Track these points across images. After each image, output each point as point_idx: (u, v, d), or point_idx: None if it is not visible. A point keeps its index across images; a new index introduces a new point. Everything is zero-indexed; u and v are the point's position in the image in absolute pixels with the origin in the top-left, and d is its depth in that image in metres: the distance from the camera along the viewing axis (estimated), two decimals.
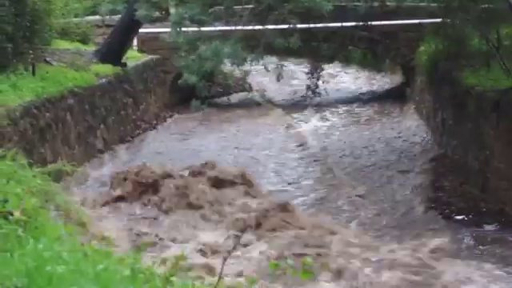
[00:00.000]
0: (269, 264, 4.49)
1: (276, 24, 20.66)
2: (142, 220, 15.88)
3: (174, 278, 4.69)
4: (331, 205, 17.46)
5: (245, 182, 17.49)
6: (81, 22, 29.24)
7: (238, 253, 13.03)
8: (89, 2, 32.61)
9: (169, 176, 17.29)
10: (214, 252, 13.73)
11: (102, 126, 22.09)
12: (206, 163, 18.07)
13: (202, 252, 13.96)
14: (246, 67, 22.48)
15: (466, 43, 19.58)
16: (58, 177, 12.11)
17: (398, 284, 12.15)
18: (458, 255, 13.62)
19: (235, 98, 31.28)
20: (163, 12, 24.05)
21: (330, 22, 24.02)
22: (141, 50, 29.57)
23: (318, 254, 12.98)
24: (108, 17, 31.35)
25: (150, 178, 17.05)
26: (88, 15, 31.64)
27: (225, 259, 4.42)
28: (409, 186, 18.54)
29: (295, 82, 32.75)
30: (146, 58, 28.51)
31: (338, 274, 12.31)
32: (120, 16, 26.85)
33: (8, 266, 3.94)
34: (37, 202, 5.96)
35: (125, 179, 17.00)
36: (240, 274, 11.49)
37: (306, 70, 31.43)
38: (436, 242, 13.95)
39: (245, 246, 13.80)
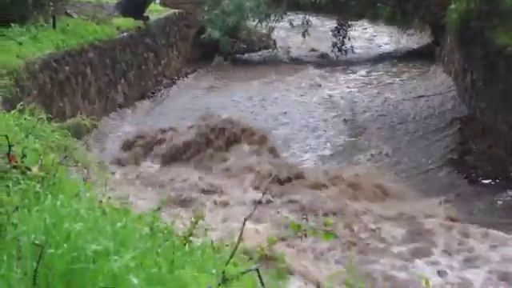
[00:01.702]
0: (290, 224, 4.35)
1: None
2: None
3: (192, 238, 4.69)
4: (356, 162, 17.30)
5: (264, 143, 17.39)
6: None
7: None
8: None
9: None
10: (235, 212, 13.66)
11: (122, 80, 21.84)
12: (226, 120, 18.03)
13: (223, 210, 13.88)
14: (271, 23, 22.20)
15: (498, 1, 18.98)
16: (77, 132, 11.87)
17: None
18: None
19: (259, 54, 30.84)
20: None
21: None
22: (164, 4, 29.19)
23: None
24: None
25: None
26: None
27: (245, 220, 4.27)
28: (435, 147, 18.25)
29: (321, 39, 32.17)
30: (168, 11, 28.11)
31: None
32: None
33: (26, 222, 3.85)
34: (55, 158, 5.73)
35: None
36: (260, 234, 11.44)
37: (333, 28, 30.86)
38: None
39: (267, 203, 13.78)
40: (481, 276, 11.11)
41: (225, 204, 14.19)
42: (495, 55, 17.89)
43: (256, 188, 14.88)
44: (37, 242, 3.49)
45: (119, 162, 16.69)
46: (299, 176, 15.47)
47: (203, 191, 14.86)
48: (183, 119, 19.64)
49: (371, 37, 34.56)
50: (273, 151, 17.21)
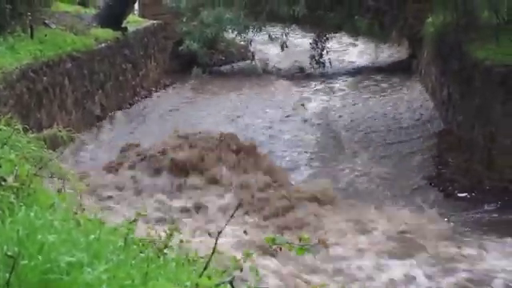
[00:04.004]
0: (264, 238, 4.37)
1: None
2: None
3: (167, 250, 4.69)
4: (330, 175, 17.32)
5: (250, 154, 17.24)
6: None
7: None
8: None
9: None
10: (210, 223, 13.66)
11: (100, 91, 21.79)
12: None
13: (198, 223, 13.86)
14: (249, 35, 22.29)
15: (475, 15, 19.15)
16: (54, 143, 11.83)
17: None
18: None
19: (237, 66, 30.89)
20: None
21: None
22: (142, 15, 29.17)
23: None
24: None
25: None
26: None
27: (219, 232, 4.25)
28: (411, 161, 18.34)
29: (299, 52, 32.27)
30: (147, 23, 28.10)
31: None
32: None
33: None
34: (31, 169, 5.71)
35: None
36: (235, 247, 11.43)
37: (311, 41, 30.98)
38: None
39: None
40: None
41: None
42: (471, 69, 18.04)
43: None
44: (9, 253, 3.47)
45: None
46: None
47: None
48: (160, 132, 19.54)
49: (349, 49, 34.69)
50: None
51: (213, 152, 16.33)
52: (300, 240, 4.35)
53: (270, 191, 15.05)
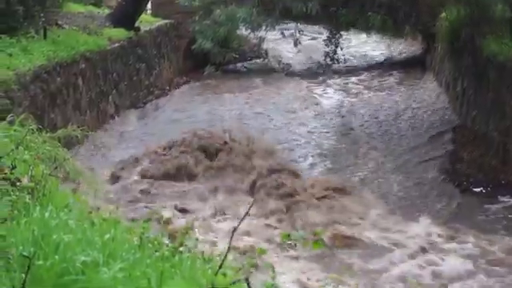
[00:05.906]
0: (280, 234, 4.35)
1: None
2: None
3: (182, 248, 4.69)
4: (346, 171, 17.33)
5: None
6: None
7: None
8: None
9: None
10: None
11: (114, 91, 21.82)
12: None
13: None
14: (262, 33, 22.23)
15: (489, 10, 19.02)
16: (68, 143, 11.84)
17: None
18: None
19: (251, 64, 30.87)
20: None
21: None
22: (155, 15, 29.21)
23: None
24: None
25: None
26: None
27: (234, 230, 4.26)
28: (426, 156, 18.28)
29: (312, 49, 32.19)
30: (160, 22, 28.15)
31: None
32: None
33: (15, 233, 3.85)
34: (45, 169, 5.72)
35: None
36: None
37: (324, 37, 30.91)
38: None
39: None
40: None
41: None
42: (485, 63, 17.96)
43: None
44: (25, 253, 3.48)
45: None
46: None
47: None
48: (175, 132, 19.55)
49: (363, 46, 34.58)
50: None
51: None
52: (314, 235, 4.34)
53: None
